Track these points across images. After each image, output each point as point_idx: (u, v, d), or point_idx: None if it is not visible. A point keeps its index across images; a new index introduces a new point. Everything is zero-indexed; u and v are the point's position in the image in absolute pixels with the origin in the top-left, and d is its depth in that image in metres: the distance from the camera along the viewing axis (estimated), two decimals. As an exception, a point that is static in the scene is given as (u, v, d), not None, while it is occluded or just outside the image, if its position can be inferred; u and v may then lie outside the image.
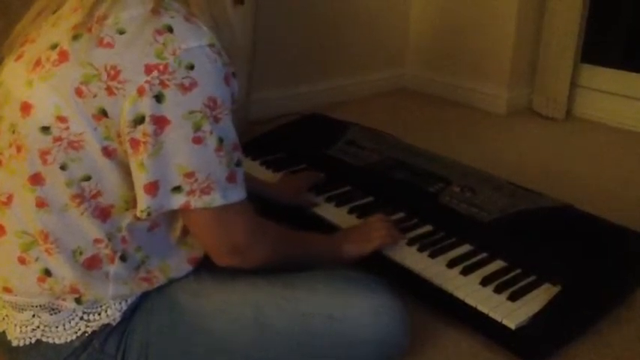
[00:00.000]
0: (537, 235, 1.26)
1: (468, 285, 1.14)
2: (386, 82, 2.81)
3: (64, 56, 0.79)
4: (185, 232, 0.92)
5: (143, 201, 0.81)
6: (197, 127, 0.79)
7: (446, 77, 2.72)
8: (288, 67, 2.43)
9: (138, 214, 0.83)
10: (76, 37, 0.79)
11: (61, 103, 0.79)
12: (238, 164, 0.86)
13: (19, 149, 0.82)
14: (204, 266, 0.95)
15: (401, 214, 1.37)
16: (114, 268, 0.87)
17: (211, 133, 0.80)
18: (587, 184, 1.84)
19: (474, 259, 1.22)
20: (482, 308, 1.09)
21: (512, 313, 1.07)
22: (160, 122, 0.78)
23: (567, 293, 1.11)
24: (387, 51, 2.79)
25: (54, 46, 0.81)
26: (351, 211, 1.39)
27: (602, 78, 2.44)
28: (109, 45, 0.77)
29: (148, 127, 0.77)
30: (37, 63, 0.81)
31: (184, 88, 0.77)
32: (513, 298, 1.10)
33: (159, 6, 0.79)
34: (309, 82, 2.52)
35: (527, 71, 2.54)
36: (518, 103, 2.55)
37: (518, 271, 1.18)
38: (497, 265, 1.21)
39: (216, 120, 0.81)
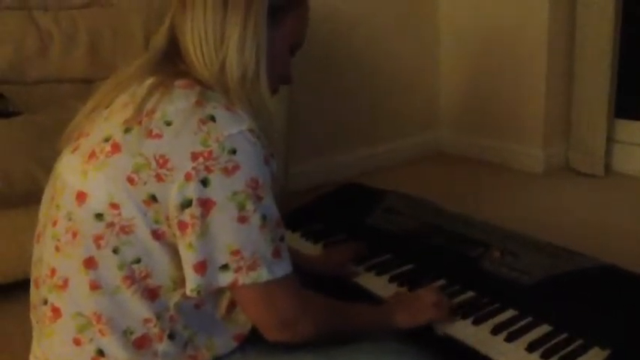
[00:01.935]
0: (583, 297, 1.24)
1: (513, 352, 1.12)
2: (421, 146, 2.84)
3: (116, 148, 0.86)
4: (230, 308, 0.95)
5: (193, 280, 0.85)
6: (241, 207, 0.83)
7: (480, 139, 2.74)
8: (323, 138, 2.50)
9: (188, 292, 0.86)
10: (127, 130, 0.86)
11: (113, 191, 0.85)
12: (282, 239, 0.90)
13: (74, 235, 0.88)
14: (249, 341, 0.97)
15: (442, 281, 1.37)
16: (162, 346, 0.90)
17: (255, 211, 0.84)
18: (631, 241, 1.81)
19: (519, 325, 1.20)
20: (530, 376, 1.07)
21: (561, 380, 1.05)
22: (206, 204, 0.82)
23: (617, 357, 1.08)
24: (419, 116, 2.84)
25: (107, 139, 0.87)
26: (391, 280, 1.39)
27: (638, 131, 2.43)
28: (158, 136, 0.84)
29: (195, 209, 0.82)
30: (92, 155, 0.88)
31: (228, 172, 0.82)
32: (561, 364, 1.08)
33: (202, 98, 0.86)
34: (344, 151, 2.57)
35: (561, 128, 2.54)
36: (555, 162, 2.55)
37: (565, 335, 1.16)
38: (543, 329, 1.18)
39: (259, 199, 0.85)
